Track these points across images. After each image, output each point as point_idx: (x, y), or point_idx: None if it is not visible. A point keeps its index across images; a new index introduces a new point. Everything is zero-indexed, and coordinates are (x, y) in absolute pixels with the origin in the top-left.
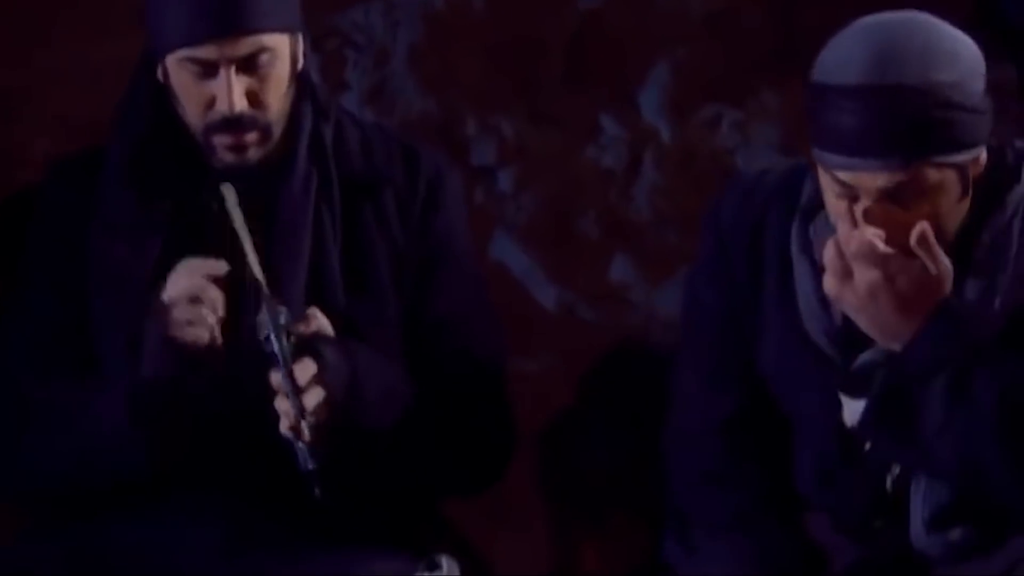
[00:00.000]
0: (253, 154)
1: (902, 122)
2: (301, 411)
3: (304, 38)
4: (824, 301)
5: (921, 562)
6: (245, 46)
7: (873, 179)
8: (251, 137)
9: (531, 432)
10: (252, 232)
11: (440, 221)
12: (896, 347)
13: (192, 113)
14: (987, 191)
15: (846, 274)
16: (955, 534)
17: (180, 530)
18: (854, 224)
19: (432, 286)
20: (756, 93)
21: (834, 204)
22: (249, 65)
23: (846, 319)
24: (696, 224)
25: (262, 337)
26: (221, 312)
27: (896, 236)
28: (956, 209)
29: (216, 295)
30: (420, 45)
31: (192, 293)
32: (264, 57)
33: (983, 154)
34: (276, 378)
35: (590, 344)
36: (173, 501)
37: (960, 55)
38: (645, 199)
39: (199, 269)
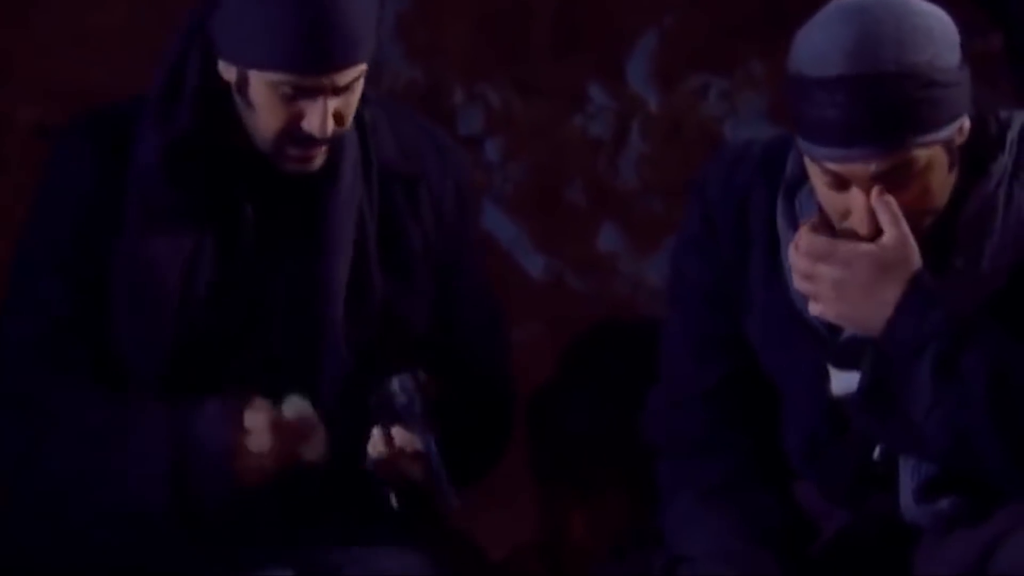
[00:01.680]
0: (318, 163)
1: (885, 108)
2: (445, 476)
3: None
4: None
5: (910, 531)
6: (351, 75)
7: (863, 168)
8: (323, 151)
9: (518, 401)
10: (293, 229)
11: (468, 220)
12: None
13: (270, 128)
14: (971, 161)
15: (809, 274)
16: (944, 504)
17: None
18: (844, 216)
19: (454, 283)
20: (744, 62)
21: (825, 195)
22: (344, 89)
23: None
24: (684, 193)
25: (399, 403)
26: (291, 463)
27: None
28: (946, 181)
29: (297, 454)
30: (407, 14)
31: (272, 452)
32: (356, 82)
33: (966, 122)
34: (401, 436)
35: (578, 313)
36: None
37: (933, 30)
38: (633, 168)
39: (287, 426)
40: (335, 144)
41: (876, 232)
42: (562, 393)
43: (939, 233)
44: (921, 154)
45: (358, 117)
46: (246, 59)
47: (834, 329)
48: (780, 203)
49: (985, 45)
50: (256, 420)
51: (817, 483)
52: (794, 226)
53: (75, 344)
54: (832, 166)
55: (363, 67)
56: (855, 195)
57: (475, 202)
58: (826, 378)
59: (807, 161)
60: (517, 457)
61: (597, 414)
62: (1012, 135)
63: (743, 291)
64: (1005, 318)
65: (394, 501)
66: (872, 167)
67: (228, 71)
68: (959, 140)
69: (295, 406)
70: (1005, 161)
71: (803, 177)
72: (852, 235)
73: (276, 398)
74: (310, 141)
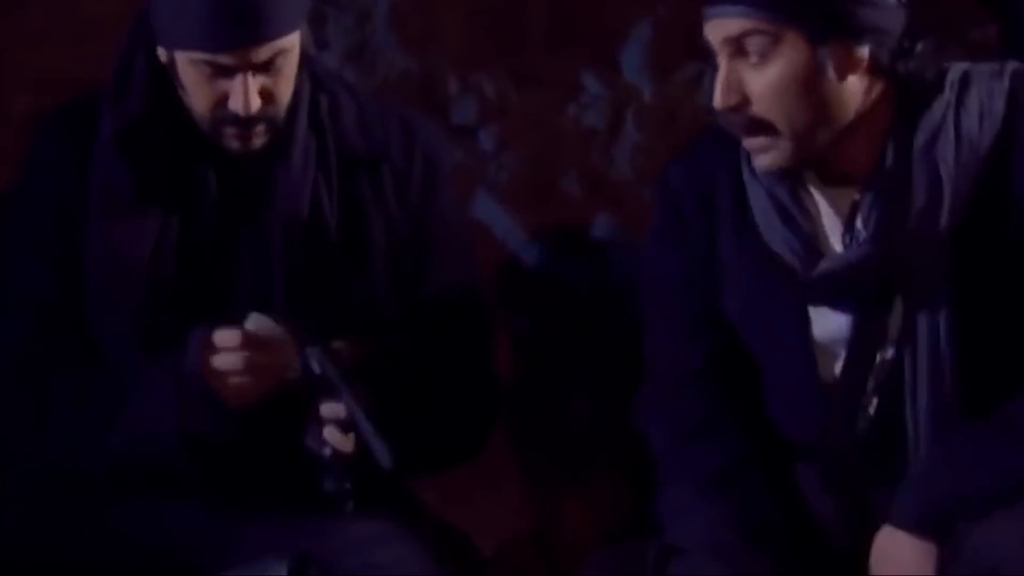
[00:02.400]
0: (259, 142)
1: None
2: (372, 432)
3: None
4: (782, 212)
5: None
6: (266, 52)
7: (724, 27)
8: (259, 129)
9: (512, 391)
10: (249, 207)
11: (437, 200)
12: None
13: (200, 106)
14: (914, 101)
15: None
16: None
17: (163, 495)
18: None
19: (426, 266)
20: None
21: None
22: (265, 66)
23: (808, 224)
24: None
25: (314, 372)
26: (274, 383)
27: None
28: (836, 93)
29: (273, 366)
30: (401, 3)
31: (248, 364)
32: (280, 59)
33: (863, 50)
34: (327, 408)
35: (572, 303)
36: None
37: None
38: (627, 158)
39: (251, 338)
40: (286, 126)
41: (726, 107)
42: (555, 384)
43: (894, 162)
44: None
45: (312, 105)
46: (169, 40)
47: (810, 266)
48: (743, 159)
49: (982, 35)
50: (223, 338)
51: (810, 455)
52: (756, 176)
53: (62, 329)
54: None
55: (284, 44)
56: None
57: (450, 183)
58: (808, 326)
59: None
60: (510, 448)
61: (591, 405)
62: (952, 77)
63: (717, 273)
64: (966, 249)
65: (331, 484)
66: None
67: (162, 54)
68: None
69: (257, 320)
70: (947, 97)
71: None
72: None
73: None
74: (240, 120)
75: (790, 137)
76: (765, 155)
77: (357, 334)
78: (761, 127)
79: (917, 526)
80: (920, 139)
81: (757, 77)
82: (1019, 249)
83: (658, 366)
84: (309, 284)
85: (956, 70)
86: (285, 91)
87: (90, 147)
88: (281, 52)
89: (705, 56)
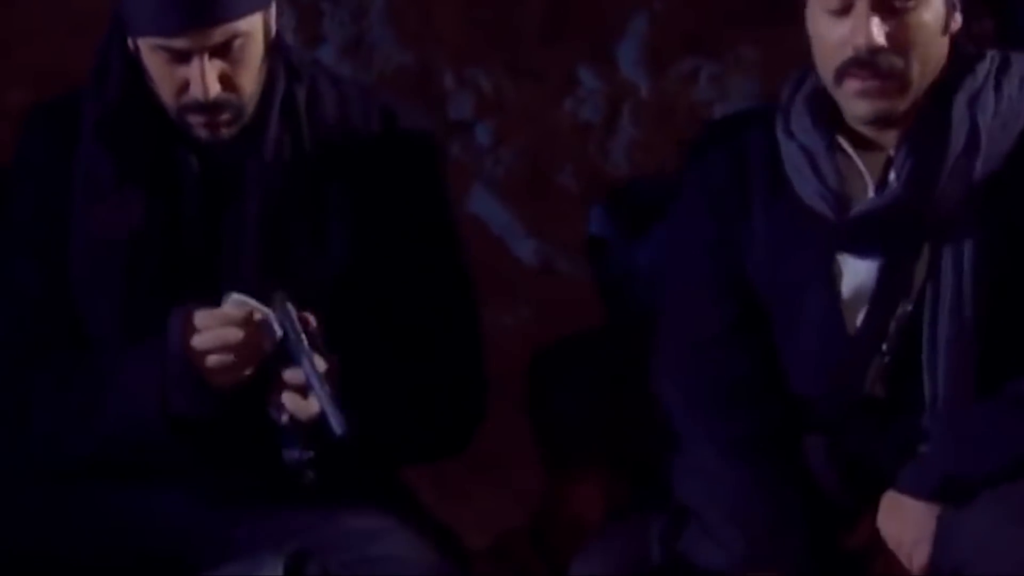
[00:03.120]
0: (226, 132)
1: None
2: (328, 399)
3: (276, 3)
4: (816, 169)
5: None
6: (219, 34)
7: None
8: (225, 118)
9: (510, 384)
10: (226, 193)
11: (418, 187)
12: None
13: (165, 94)
14: (953, 65)
15: None
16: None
17: (155, 487)
18: (843, 45)
19: (404, 249)
20: (734, 46)
21: (825, 32)
22: (223, 51)
23: (840, 180)
24: (674, 178)
25: (276, 336)
26: (255, 361)
27: (887, 47)
28: (936, 43)
29: (253, 344)
30: None
31: (227, 342)
32: (238, 42)
33: (958, 14)
34: (288, 374)
35: (568, 298)
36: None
37: None
38: (623, 153)
39: (230, 316)
40: (258, 117)
41: (874, 47)
42: (552, 377)
43: (932, 116)
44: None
45: (288, 96)
46: (130, 27)
47: (841, 212)
48: (779, 122)
49: (979, 28)
50: (202, 318)
51: (820, 424)
52: (789, 133)
53: (48, 319)
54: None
55: (241, 27)
56: (859, 10)
57: (436, 169)
58: (837, 276)
59: (812, 6)
60: (507, 441)
61: (588, 398)
62: (992, 54)
63: (746, 238)
64: (998, 202)
65: (290, 453)
66: None
67: (131, 44)
68: (951, 16)
69: (236, 300)
70: (987, 65)
71: (797, 96)
72: None
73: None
74: (204, 108)
75: (914, 85)
76: (879, 101)
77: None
78: (892, 73)
79: (925, 497)
80: (962, 97)
81: (905, 21)
82: None
83: (681, 328)
84: (282, 270)
85: (995, 51)
86: (246, 78)
87: (74, 141)
88: (238, 36)
89: (702, 51)
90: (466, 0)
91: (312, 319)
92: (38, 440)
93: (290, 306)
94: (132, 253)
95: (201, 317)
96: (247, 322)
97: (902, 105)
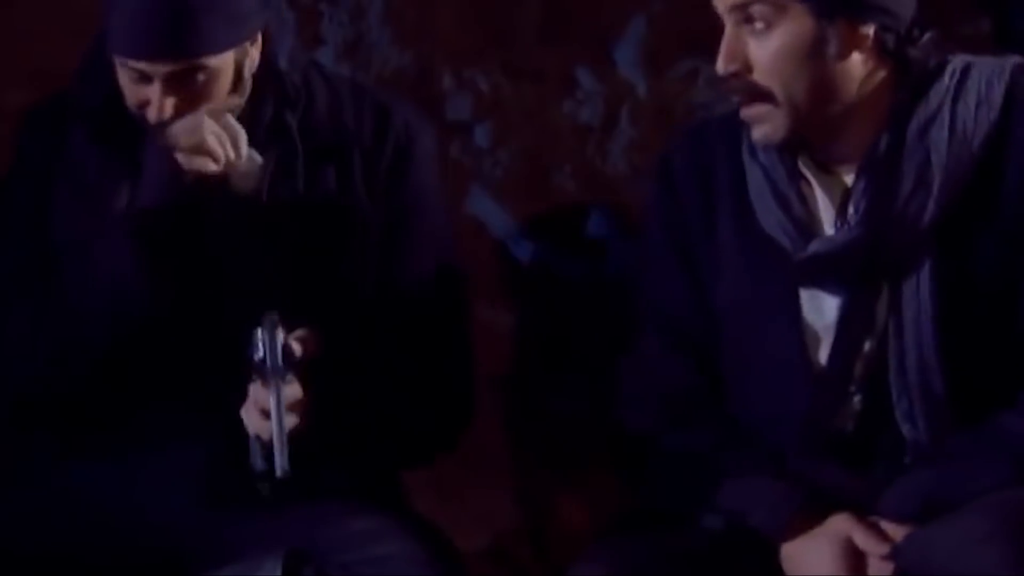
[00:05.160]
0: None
1: None
2: (279, 434)
3: (266, 31)
4: (778, 196)
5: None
6: (178, 65)
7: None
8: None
9: (507, 387)
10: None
11: (408, 182)
12: None
13: (132, 108)
14: (913, 88)
15: None
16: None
17: (152, 485)
18: None
19: (397, 249)
20: None
21: None
22: (183, 80)
23: (802, 208)
24: None
25: (256, 356)
26: (241, 148)
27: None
28: (837, 71)
29: (235, 126)
30: None
31: (206, 125)
32: (200, 76)
33: (868, 30)
34: (257, 392)
35: (567, 297)
36: (146, 456)
37: None
38: (622, 154)
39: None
40: (246, 126)
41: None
42: (548, 378)
43: (886, 149)
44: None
45: (277, 121)
46: (108, 42)
47: (801, 246)
48: (744, 139)
49: (975, 30)
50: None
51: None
52: (755, 155)
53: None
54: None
55: (206, 63)
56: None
57: (429, 166)
58: (799, 309)
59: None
60: (502, 442)
61: (584, 399)
62: (953, 67)
63: (711, 258)
64: (953, 239)
65: (254, 462)
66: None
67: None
68: (855, 40)
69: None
70: (946, 85)
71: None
72: None
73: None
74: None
75: (788, 109)
76: (761, 126)
77: (319, 325)
78: (760, 95)
79: (909, 517)
80: (914, 126)
81: (760, 44)
82: (1007, 242)
83: (640, 348)
84: (268, 271)
85: (958, 61)
86: (198, 109)
87: (64, 140)
88: (200, 70)
89: (701, 51)
90: (465, 1)
91: (298, 349)
92: (12, 336)
93: (280, 331)
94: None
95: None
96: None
97: (793, 129)
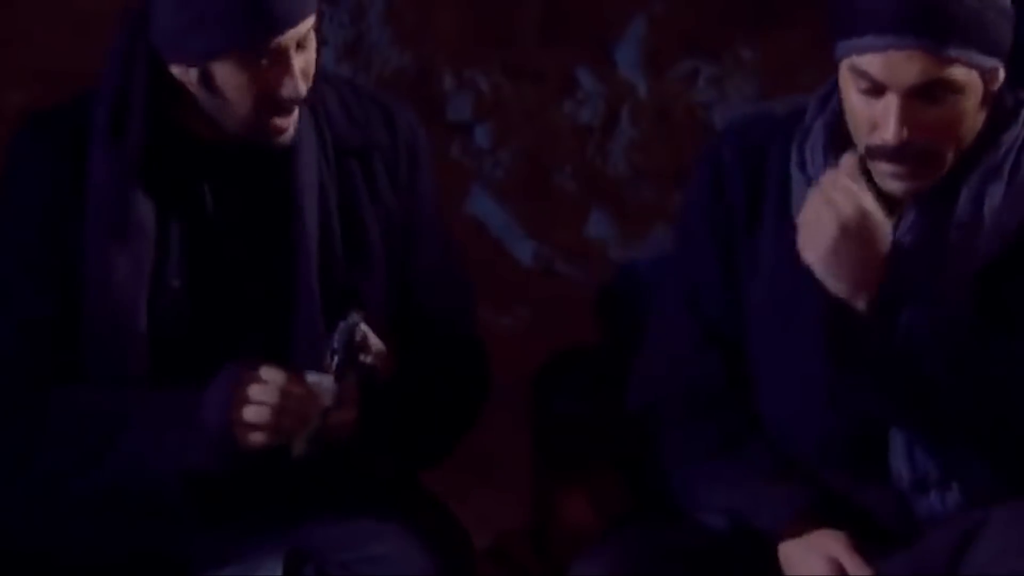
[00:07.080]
0: (292, 132)
1: (938, 4)
2: (312, 430)
3: None
4: None
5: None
6: (305, 28)
7: (905, 69)
8: (295, 115)
9: (509, 386)
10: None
11: (422, 181)
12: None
13: (244, 106)
14: (984, 129)
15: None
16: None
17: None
18: (873, 128)
19: (413, 244)
20: (733, 48)
21: (856, 106)
22: (304, 45)
23: None
24: (673, 179)
25: (333, 346)
26: (308, 425)
27: (919, 137)
28: (975, 120)
29: (304, 406)
30: (397, 0)
31: (279, 419)
32: (311, 33)
33: (1001, 71)
34: (314, 379)
35: (567, 299)
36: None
37: None
38: (622, 154)
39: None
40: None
41: (903, 141)
42: (551, 378)
43: (944, 189)
44: (960, 73)
45: (309, 94)
46: (205, 54)
47: None
48: (794, 152)
49: None
50: (260, 392)
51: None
52: (803, 168)
53: (54, 346)
54: (873, 63)
55: (314, 17)
56: (888, 101)
57: (430, 161)
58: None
59: (843, 72)
60: (506, 442)
61: (586, 399)
62: None
63: (750, 253)
64: (993, 284)
65: (299, 446)
66: (913, 71)
67: (186, 74)
68: (992, 84)
69: (313, 378)
70: (1018, 132)
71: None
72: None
73: None
74: (287, 106)
75: (943, 166)
76: (909, 181)
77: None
78: (932, 157)
79: None
80: (977, 174)
81: (942, 110)
82: None
83: (664, 330)
84: (322, 282)
85: None
86: (313, 67)
87: (78, 162)
88: (310, 29)
89: (701, 51)
90: (465, 2)
91: (370, 356)
92: (40, 476)
93: (362, 327)
94: (152, 296)
95: (259, 391)
96: (307, 399)
97: (935, 179)
